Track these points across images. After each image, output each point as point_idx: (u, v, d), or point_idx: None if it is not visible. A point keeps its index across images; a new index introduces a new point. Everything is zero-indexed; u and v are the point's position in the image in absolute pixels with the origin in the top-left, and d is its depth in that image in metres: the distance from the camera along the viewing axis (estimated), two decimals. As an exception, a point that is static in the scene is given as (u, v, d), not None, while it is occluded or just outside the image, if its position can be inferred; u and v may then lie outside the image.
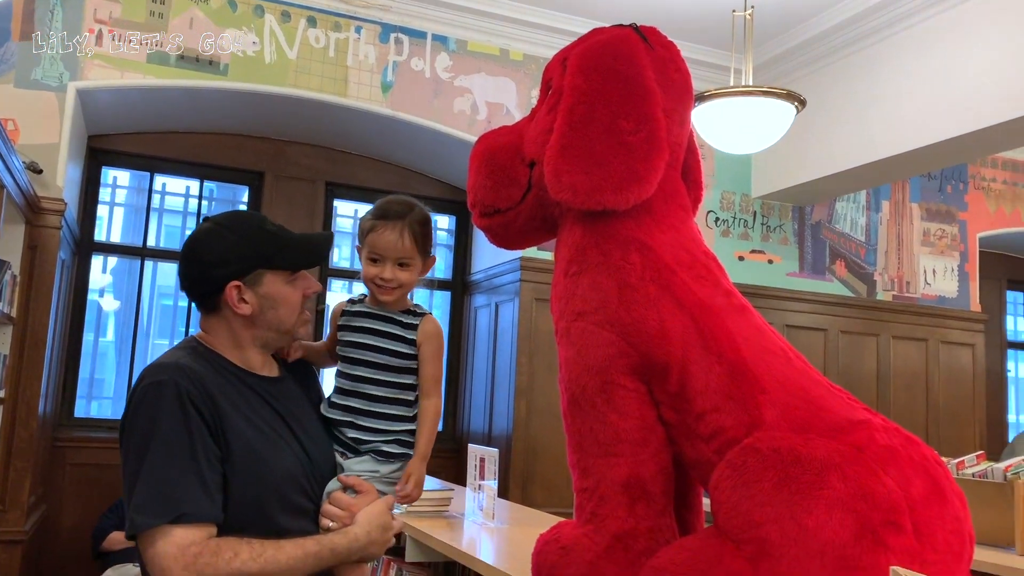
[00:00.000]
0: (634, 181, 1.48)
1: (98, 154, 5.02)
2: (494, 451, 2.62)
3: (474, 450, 2.72)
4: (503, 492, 4.53)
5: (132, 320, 5.14)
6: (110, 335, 5.78)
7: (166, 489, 1.41)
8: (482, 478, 2.63)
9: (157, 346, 5.65)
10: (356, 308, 1.77)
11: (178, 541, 1.39)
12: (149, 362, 1.58)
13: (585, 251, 1.55)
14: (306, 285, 1.65)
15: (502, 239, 1.75)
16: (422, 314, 1.76)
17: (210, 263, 1.57)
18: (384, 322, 1.74)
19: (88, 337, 5.09)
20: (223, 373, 1.57)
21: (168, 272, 5.34)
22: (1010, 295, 7.09)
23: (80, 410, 5.07)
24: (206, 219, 1.65)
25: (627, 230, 1.53)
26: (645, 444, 1.47)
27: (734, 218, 5.45)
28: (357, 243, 1.80)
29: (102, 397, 5.40)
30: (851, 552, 1.25)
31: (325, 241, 1.77)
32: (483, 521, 2.50)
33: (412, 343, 1.72)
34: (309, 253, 1.68)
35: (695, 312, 1.47)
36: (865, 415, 1.41)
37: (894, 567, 1.10)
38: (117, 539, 4.25)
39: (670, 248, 1.53)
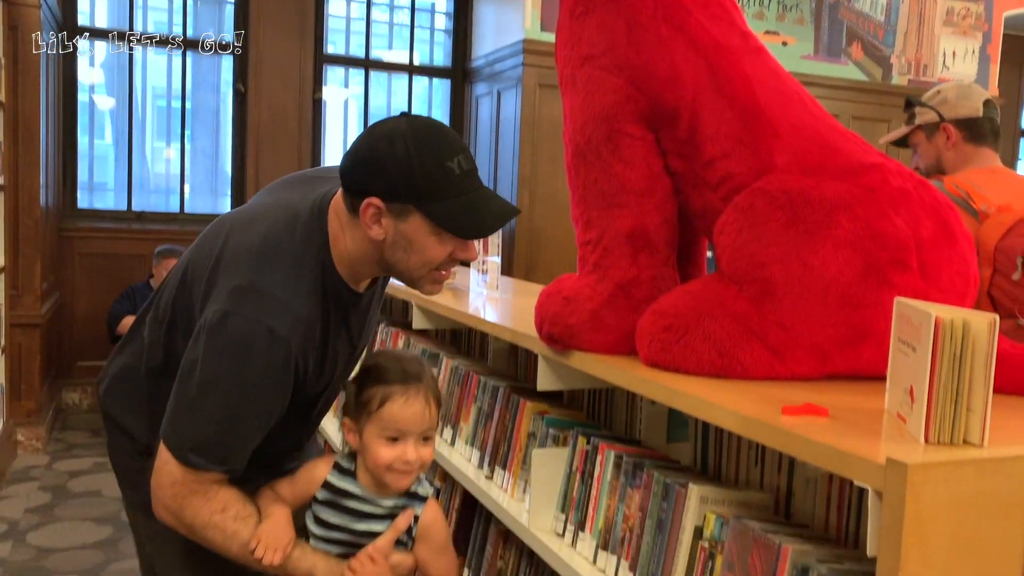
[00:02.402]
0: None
1: (71, -71, 4.70)
2: (498, 225, 2.61)
3: (477, 225, 2.71)
4: (507, 278, 4.60)
5: (127, 120, 5.02)
6: (107, 138, 5.67)
7: (231, 442, 1.39)
8: (486, 254, 2.63)
9: (156, 149, 5.56)
10: (344, 485, 1.47)
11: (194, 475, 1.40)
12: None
13: (592, -11, 1.45)
14: (460, 250, 1.40)
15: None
16: (423, 497, 1.48)
17: (371, 165, 1.34)
18: (379, 521, 1.46)
19: (84, 140, 5.01)
20: (329, 308, 1.44)
21: (159, 68, 5.14)
22: (1030, 82, 6.87)
23: (83, 203, 5.07)
24: (404, 114, 1.38)
25: (638, -37, 1.41)
26: (651, 194, 1.43)
27: (749, -4, 5.17)
28: (345, 416, 1.47)
29: (105, 190, 5.38)
30: (855, 290, 1.24)
31: (499, 216, 1.39)
32: (487, 292, 2.53)
33: (407, 539, 1.48)
34: (471, 225, 1.36)
35: (709, 53, 1.39)
36: (879, 159, 1.36)
37: (898, 298, 1.09)
38: (131, 323, 4.37)
39: (683, -16, 1.42)
